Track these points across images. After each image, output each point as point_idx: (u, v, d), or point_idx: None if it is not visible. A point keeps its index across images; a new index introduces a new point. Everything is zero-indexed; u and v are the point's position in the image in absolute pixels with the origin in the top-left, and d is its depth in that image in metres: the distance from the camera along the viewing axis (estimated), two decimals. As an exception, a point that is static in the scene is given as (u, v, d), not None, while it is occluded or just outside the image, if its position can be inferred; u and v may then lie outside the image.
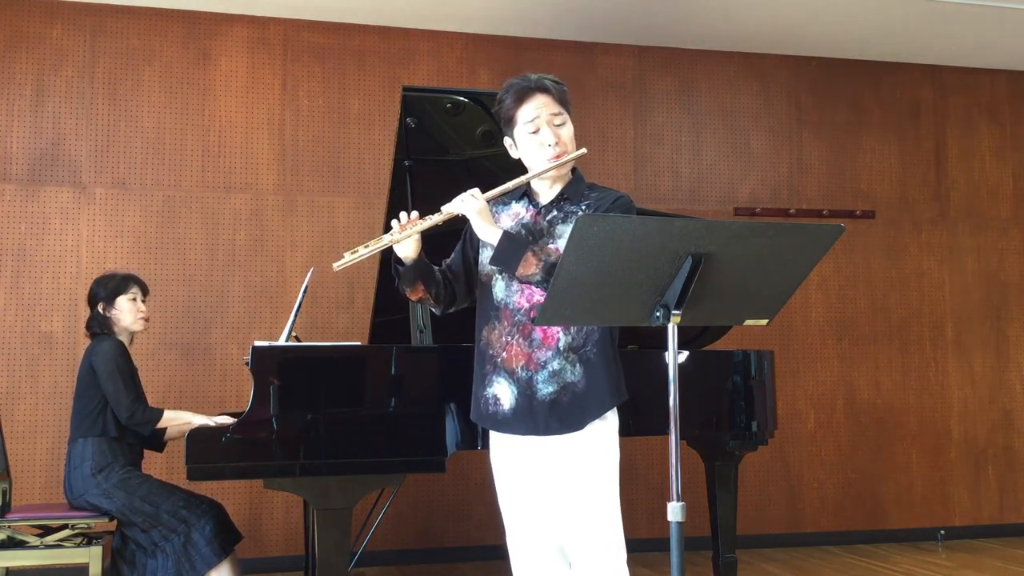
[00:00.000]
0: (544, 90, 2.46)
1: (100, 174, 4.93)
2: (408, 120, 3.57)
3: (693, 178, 5.67)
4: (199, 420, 3.52)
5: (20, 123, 4.87)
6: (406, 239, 2.40)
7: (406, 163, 3.63)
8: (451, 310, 2.59)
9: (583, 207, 2.47)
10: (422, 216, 2.42)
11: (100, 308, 3.68)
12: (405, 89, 3.54)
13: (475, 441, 3.06)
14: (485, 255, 2.52)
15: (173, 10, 5.06)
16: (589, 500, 2.39)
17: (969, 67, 6.04)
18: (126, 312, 3.69)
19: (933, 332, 5.86)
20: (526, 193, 2.53)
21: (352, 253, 2.40)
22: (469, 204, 2.40)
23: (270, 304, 5.05)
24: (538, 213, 2.50)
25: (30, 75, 4.89)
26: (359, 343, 4.05)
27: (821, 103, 5.87)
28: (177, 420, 3.58)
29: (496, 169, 3.66)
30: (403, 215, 2.43)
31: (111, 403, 3.52)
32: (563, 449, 2.41)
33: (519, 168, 2.56)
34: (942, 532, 5.69)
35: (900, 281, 5.85)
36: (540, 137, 2.45)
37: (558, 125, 2.47)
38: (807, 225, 1.91)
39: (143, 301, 3.75)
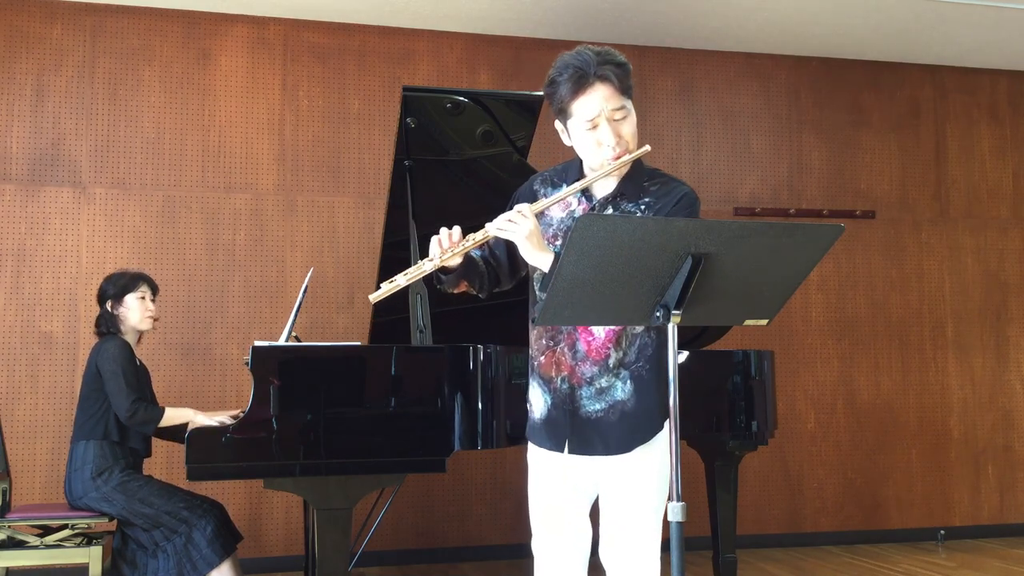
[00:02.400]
0: (605, 80, 2.13)
1: (100, 174, 4.93)
2: (408, 120, 3.57)
3: (693, 178, 5.66)
4: (201, 419, 3.50)
5: (20, 123, 4.87)
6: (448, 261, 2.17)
7: (406, 163, 3.63)
8: (495, 290, 2.38)
9: (641, 207, 2.22)
10: (464, 234, 2.18)
11: (108, 306, 3.67)
12: (405, 89, 3.54)
13: (475, 441, 3.05)
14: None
15: (173, 10, 5.06)
16: (630, 528, 2.22)
17: (969, 67, 6.04)
18: (134, 310, 3.67)
19: (933, 332, 5.85)
20: (579, 179, 2.26)
21: (390, 283, 2.19)
22: (517, 228, 2.12)
23: (270, 304, 5.04)
24: (592, 208, 2.25)
25: (30, 75, 4.89)
26: (359, 343, 4.05)
27: (821, 103, 5.86)
28: (179, 419, 3.56)
29: (496, 169, 3.66)
30: (444, 234, 2.17)
31: (112, 403, 3.51)
32: (607, 470, 2.22)
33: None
34: (942, 532, 5.69)
35: (900, 281, 5.85)
36: (598, 135, 2.17)
37: (619, 119, 2.18)
38: (807, 225, 1.90)
39: (152, 300, 3.75)
